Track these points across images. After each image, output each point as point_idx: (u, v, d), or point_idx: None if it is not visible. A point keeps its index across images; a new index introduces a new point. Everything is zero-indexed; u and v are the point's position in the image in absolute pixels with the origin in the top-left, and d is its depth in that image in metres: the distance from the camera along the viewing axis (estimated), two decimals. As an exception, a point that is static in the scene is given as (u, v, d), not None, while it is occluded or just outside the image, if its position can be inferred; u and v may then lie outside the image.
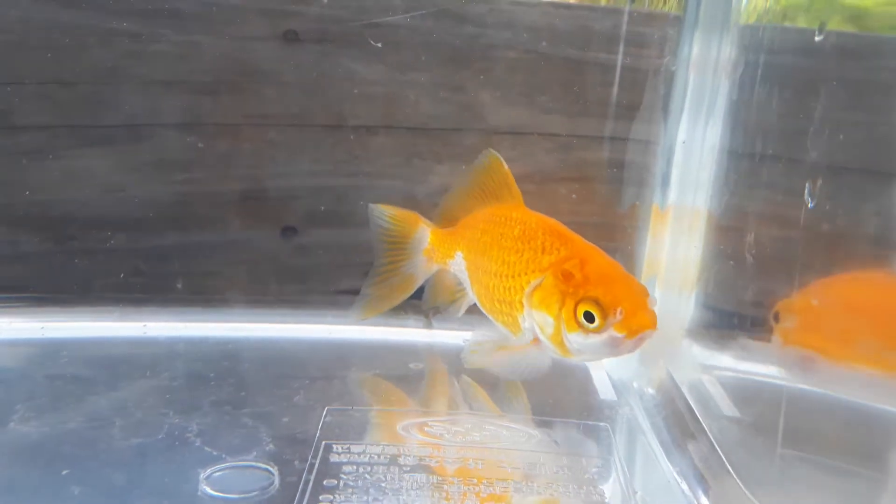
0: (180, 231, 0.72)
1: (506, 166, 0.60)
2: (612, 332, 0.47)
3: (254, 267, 0.74)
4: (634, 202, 0.72)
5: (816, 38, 0.46)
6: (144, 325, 0.69)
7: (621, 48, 0.69)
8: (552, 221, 0.56)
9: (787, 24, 0.56)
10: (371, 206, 0.64)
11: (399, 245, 0.63)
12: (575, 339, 0.49)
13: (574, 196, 0.73)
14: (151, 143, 0.70)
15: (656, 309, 0.48)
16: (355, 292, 0.67)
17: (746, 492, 0.49)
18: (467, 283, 0.61)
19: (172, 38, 0.67)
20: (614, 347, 0.48)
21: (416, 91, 0.70)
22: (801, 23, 0.54)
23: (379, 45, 0.69)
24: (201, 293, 0.72)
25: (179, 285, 0.72)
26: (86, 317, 0.70)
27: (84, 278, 0.71)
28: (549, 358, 0.54)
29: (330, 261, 0.74)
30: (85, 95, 0.69)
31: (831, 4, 0.50)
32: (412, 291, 0.64)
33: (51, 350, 0.67)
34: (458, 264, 0.61)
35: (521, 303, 0.53)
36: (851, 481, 0.43)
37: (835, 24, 0.48)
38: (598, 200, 0.73)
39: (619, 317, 0.46)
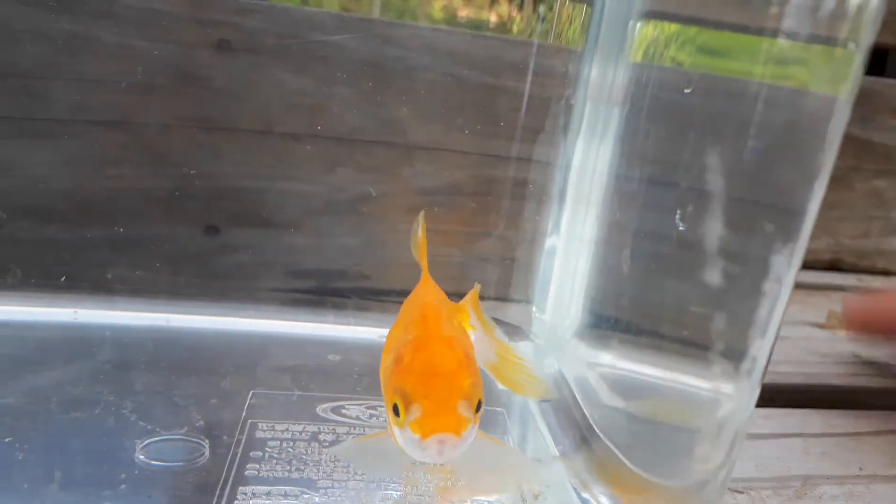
0: (107, 224, 0.74)
1: (421, 233, 0.57)
2: (408, 430, 0.39)
3: (178, 262, 0.76)
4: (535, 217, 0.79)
5: (686, 91, 0.54)
6: (75, 312, 0.72)
7: (529, 77, 0.77)
8: (433, 300, 0.50)
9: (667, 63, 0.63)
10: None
11: None
12: (395, 430, 0.41)
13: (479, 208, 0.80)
14: (82, 139, 0.72)
15: (468, 414, 0.40)
16: (275, 289, 0.72)
17: (618, 453, 0.56)
18: None
19: (108, 39, 0.70)
20: (416, 448, 0.40)
21: (340, 104, 0.75)
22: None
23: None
24: (128, 284, 0.74)
25: (109, 275, 0.73)
26: (16, 301, 0.71)
27: (14, 264, 0.72)
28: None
29: (250, 259, 0.77)
30: (17, 89, 0.70)
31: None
32: None
33: (-19, 331, 0.68)
34: None
35: None
36: (691, 442, 0.50)
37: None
38: (502, 214, 0.80)
39: (415, 414, 0.39)
